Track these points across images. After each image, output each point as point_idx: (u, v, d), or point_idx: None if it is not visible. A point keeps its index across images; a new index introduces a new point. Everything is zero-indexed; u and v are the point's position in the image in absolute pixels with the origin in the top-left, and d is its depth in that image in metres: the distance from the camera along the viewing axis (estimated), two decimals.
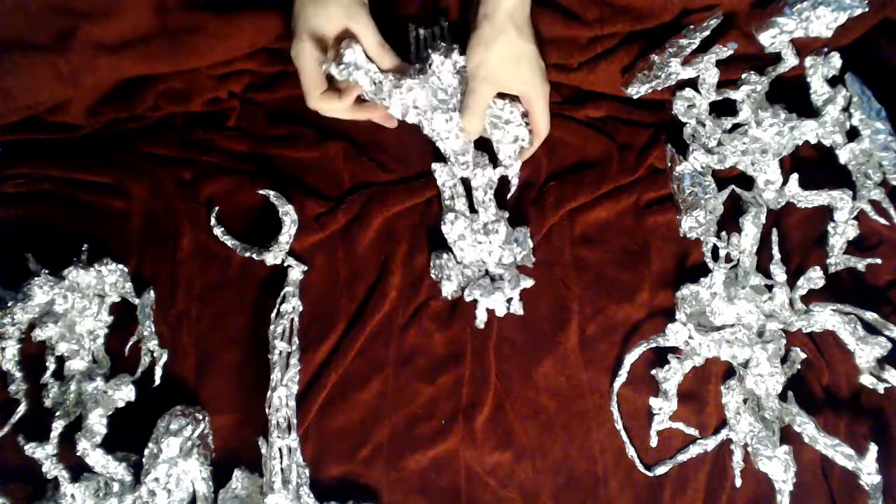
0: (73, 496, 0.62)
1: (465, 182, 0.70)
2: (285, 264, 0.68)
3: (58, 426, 0.63)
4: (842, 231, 0.67)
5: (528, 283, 0.67)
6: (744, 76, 0.68)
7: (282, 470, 0.62)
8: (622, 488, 0.65)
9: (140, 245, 0.70)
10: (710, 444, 0.65)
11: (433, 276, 0.68)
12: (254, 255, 0.68)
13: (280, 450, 0.62)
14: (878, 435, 0.65)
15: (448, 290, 0.68)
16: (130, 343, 0.67)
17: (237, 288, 0.69)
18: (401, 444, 0.66)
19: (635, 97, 0.70)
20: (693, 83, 0.69)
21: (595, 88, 0.72)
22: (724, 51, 0.66)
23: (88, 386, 0.64)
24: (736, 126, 0.69)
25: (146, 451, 0.62)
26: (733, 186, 0.69)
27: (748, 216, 0.66)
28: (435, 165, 0.69)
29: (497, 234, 0.67)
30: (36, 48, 0.67)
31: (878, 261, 0.67)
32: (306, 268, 0.68)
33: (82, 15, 0.66)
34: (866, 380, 0.64)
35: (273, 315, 0.66)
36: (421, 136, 0.68)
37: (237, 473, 0.63)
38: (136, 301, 0.68)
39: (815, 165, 0.70)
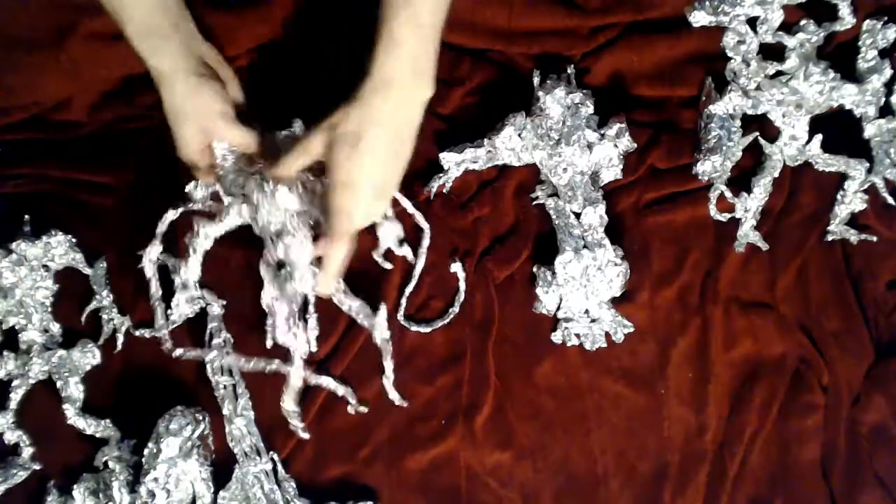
0: (73, 497, 0.62)
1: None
2: (203, 304, 0.67)
3: (16, 396, 0.64)
4: (849, 201, 0.68)
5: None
6: (802, 23, 0.68)
7: (265, 495, 0.62)
8: (622, 488, 0.65)
9: (139, 245, 0.70)
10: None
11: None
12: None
13: (257, 477, 0.62)
14: (878, 435, 0.65)
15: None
16: (87, 311, 0.68)
17: (237, 288, 0.69)
18: (401, 444, 0.66)
19: (695, 25, 0.68)
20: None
21: (597, 82, 0.73)
22: None
23: (53, 356, 0.65)
24: (778, 74, 0.69)
25: (146, 451, 0.62)
26: (757, 134, 0.68)
27: (764, 172, 0.68)
28: (549, 201, 0.69)
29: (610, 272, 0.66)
30: (38, 44, 0.67)
31: (874, 238, 0.68)
32: (225, 302, 0.68)
33: (83, 9, 0.66)
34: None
35: (206, 356, 0.66)
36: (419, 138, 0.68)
37: (237, 473, 0.63)
38: (88, 271, 0.68)
39: (837, 132, 0.69)
